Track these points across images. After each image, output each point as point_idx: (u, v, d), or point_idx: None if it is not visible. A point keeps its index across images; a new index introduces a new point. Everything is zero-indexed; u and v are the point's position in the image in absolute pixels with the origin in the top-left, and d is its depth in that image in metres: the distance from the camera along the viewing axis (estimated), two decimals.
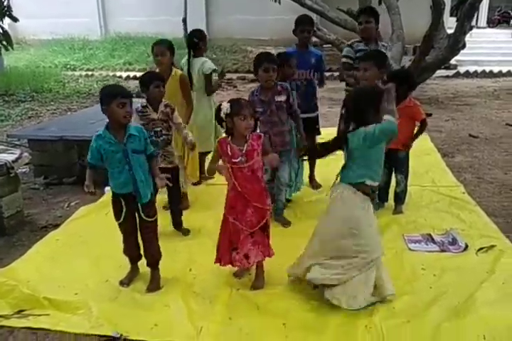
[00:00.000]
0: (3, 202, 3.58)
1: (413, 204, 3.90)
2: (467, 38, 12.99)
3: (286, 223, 3.55)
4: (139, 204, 2.71)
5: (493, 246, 3.08)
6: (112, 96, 2.53)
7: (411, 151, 5.38)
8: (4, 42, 4.86)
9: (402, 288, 2.67)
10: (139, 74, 10.61)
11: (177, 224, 3.59)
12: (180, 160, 3.72)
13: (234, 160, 2.63)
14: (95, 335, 2.40)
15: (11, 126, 7.22)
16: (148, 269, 2.87)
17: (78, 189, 4.43)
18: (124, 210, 2.72)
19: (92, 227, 3.61)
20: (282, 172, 3.48)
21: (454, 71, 11.33)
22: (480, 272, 2.80)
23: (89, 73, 13.08)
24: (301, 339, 2.30)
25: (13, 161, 3.62)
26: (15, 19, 5.19)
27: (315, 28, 4.24)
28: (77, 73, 13.12)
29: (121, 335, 2.38)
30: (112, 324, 2.46)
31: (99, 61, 14.38)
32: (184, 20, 15.14)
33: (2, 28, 4.98)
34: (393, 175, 3.81)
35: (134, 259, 2.91)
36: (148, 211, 2.75)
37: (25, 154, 3.84)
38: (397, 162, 3.68)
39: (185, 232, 3.56)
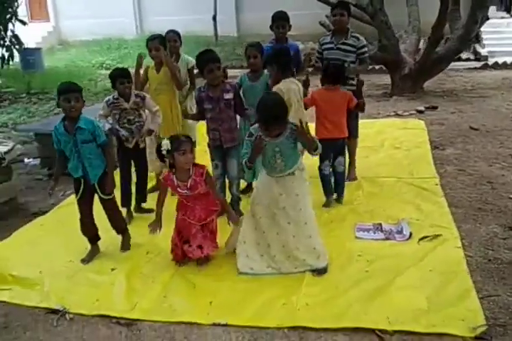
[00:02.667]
0: None
1: (381, 195, 3.96)
2: (503, 28, 12.56)
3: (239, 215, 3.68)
4: (95, 185, 3.04)
5: (438, 236, 3.11)
6: (59, 92, 2.85)
7: (403, 145, 5.44)
8: (17, 46, 5.28)
9: (331, 272, 2.79)
10: None
11: (141, 202, 3.86)
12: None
13: (180, 192, 2.90)
14: (43, 308, 2.68)
15: (37, 121, 7.74)
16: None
17: None
18: (82, 188, 3.07)
19: (75, 215, 3.90)
20: (231, 167, 3.59)
21: (482, 63, 10.95)
22: (412, 259, 2.86)
23: None
24: (220, 317, 2.47)
25: (5, 152, 3.98)
26: (23, 23, 5.61)
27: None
28: None
29: (64, 308, 2.64)
30: (59, 298, 2.73)
31: (132, 60, 14.83)
32: (214, 18, 15.49)
33: (12, 32, 5.41)
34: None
35: (91, 239, 3.21)
36: (104, 189, 3.08)
37: (18, 146, 4.21)
38: (338, 151, 3.78)
39: (150, 211, 3.76)
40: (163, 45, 4.09)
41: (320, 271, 2.79)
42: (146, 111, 3.75)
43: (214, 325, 2.41)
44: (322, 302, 2.51)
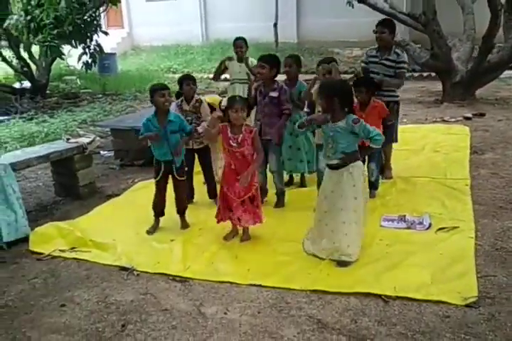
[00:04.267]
0: (79, 174, 4.72)
1: (412, 192, 4.34)
2: None
3: (280, 206, 4.19)
4: (173, 168, 3.75)
5: (455, 227, 3.47)
6: (154, 90, 3.59)
7: (443, 149, 5.72)
8: (99, 52, 6.16)
9: None
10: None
11: (212, 194, 4.42)
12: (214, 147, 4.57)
13: (231, 144, 3.42)
14: (116, 266, 3.33)
15: (111, 119, 8.66)
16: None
17: (144, 170, 5.49)
18: (162, 171, 3.78)
19: (142, 197, 4.56)
20: (271, 162, 4.12)
21: None
22: (427, 245, 3.25)
23: None
24: (255, 279, 3.00)
25: (88, 143, 4.74)
26: (106, 33, 6.47)
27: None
28: (177, 76, 14.68)
29: (132, 267, 3.28)
30: (129, 259, 3.38)
31: (197, 64, 15.90)
32: (275, 25, 16.13)
33: (96, 41, 6.29)
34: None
35: (158, 214, 3.90)
36: (180, 173, 3.82)
37: (98, 138, 4.96)
38: (371, 153, 4.07)
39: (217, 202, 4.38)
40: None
41: (341, 264, 3.08)
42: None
43: (250, 285, 2.95)
44: (341, 273, 2.98)
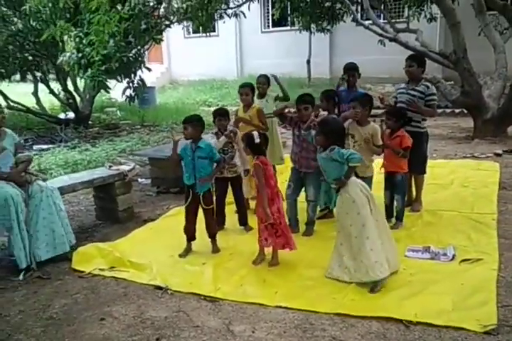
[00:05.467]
0: (119, 200, 5.04)
1: (438, 225, 4.43)
2: None
3: (308, 234, 4.36)
4: (200, 196, 3.95)
5: (479, 259, 3.54)
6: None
7: (471, 184, 5.77)
8: (141, 87, 6.66)
9: None
10: None
11: (242, 222, 4.64)
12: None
13: None
14: (151, 285, 3.55)
15: (149, 148, 9.09)
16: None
17: (179, 197, 5.76)
18: (190, 198, 4.01)
19: (176, 223, 4.79)
20: (308, 191, 4.32)
21: None
22: (450, 275, 3.34)
23: None
24: (282, 301, 3.15)
25: (128, 171, 5.07)
26: (149, 69, 6.98)
27: None
28: (212, 109, 15.23)
29: (167, 286, 3.49)
30: (163, 279, 3.59)
31: (232, 98, 16.47)
32: (308, 62, 16.68)
33: (140, 76, 6.80)
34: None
35: (189, 238, 4.12)
36: (206, 202, 4.04)
37: (137, 166, 5.30)
38: (395, 184, 4.34)
39: (249, 229, 4.58)
40: (252, 91, 5.14)
41: (372, 289, 3.20)
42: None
43: (277, 307, 3.10)
44: (364, 299, 3.10)
